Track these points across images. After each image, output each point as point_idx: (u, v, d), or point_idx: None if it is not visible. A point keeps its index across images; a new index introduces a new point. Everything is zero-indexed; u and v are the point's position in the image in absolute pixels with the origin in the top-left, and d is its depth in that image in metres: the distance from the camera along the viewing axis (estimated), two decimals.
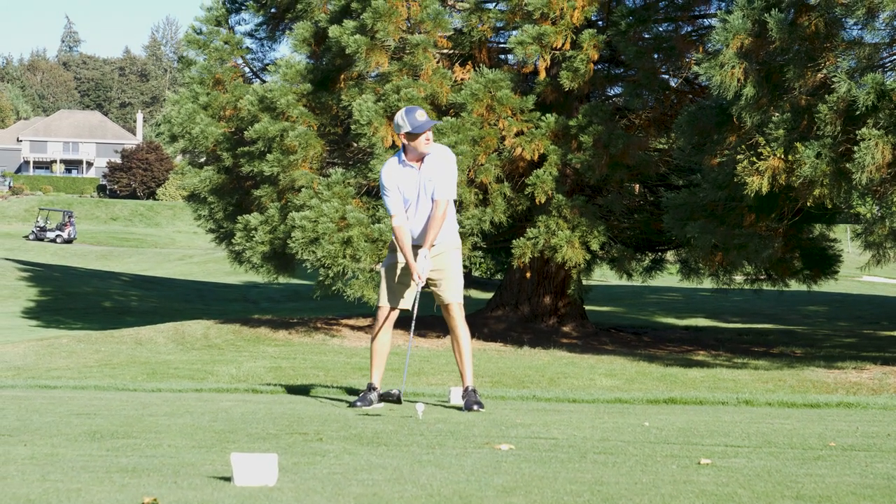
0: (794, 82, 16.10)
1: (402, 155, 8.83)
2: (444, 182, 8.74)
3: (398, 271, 8.94)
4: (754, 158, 16.27)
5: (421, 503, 4.56)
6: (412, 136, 8.70)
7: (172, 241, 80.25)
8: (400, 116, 8.73)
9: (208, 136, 22.92)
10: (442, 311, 9.01)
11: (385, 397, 8.46)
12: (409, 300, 8.97)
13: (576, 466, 5.66)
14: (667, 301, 37.84)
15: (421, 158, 8.78)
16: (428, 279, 8.85)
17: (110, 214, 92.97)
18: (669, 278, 27.98)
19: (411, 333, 9.02)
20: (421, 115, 8.68)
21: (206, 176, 23.53)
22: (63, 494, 4.61)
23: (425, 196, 8.78)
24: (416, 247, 8.82)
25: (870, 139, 15.15)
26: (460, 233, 20.08)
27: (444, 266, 8.88)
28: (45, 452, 5.94)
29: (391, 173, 8.86)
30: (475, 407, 8.60)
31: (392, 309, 8.97)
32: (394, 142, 19.57)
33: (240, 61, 24.61)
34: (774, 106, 16.47)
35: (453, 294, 8.90)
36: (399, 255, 8.90)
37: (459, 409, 8.72)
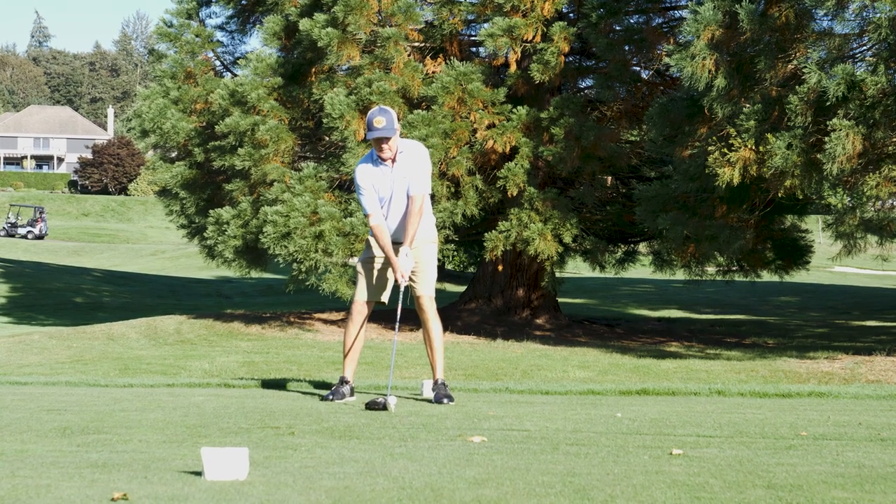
0: (765, 73, 16.14)
1: (375, 152, 8.76)
2: (418, 177, 8.67)
3: (374, 266, 8.90)
4: (725, 150, 16.31)
5: (392, 496, 4.55)
6: (371, 139, 8.67)
7: (144, 236, 79.92)
8: (368, 115, 8.68)
9: (179, 131, 22.83)
10: (414, 303, 8.99)
11: (371, 406, 8.16)
12: (384, 294, 8.95)
13: (548, 458, 5.66)
14: (640, 293, 37.94)
15: (393, 156, 8.72)
16: None
17: (82, 210, 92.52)
18: (642, 270, 28.03)
19: (395, 333, 8.95)
20: (378, 122, 8.50)
21: (178, 171, 23.45)
22: (32, 490, 4.58)
23: (400, 193, 8.71)
24: (395, 243, 8.77)
25: (840, 130, 15.20)
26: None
27: (417, 259, 8.85)
28: (14, 448, 5.90)
29: (365, 172, 8.75)
30: (444, 400, 8.58)
31: (368, 303, 8.94)
32: (365, 136, 19.53)
33: (211, 55, 24.54)
34: (745, 97, 16.51)
35: (425, 287, 8.87)
36: (375, 249, 8.86)
37: (431, 401, 8.72)
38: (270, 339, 20.98)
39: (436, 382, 8.83)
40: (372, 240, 8.90)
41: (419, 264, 8.85)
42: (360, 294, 8.94)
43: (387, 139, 8.57)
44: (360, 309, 8.94)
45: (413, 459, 5.56)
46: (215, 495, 4.51)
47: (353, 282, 9.16)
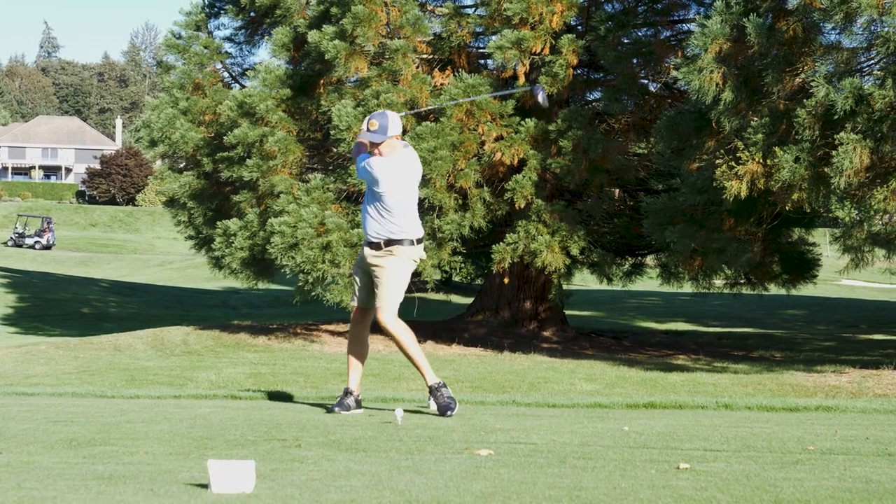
0: (773, 87, 16.14)
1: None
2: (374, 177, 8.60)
3: (363, 269, 8.80)
4: (733, 163, 16.30)
5: None
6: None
7: (152, 246, 79.96)
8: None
9: (188, 142, 22.86)
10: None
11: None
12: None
13: (555, 472, 5.65)
14: (647, 305, 37.91)
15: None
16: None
17: (89, 220, 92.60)
18: (649, 283, 27.99)
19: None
20: (372, 125, 8.57)
21: (186, 181, 23.47)
22: (38, 502, 4.58)
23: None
24: (369, 244, 8.76)
25: (848, 143, 15.19)
26: (440, 238, 20.18)
27: (379, 270, 8.68)
28: (21, 460, 5.90)
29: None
30: (448, 411, 8.46)
31: (362, 310, 8.83)
32: None
33: (219, 66, 24.57)
34: (753, 110, 16.51)
35: (378, 301, 8.65)
36: (363, 252, 8.77)
37: (436, 414, 8.66)
38: (277, 350, 20.98)
39: (431, 389, 8.69)
40: (365, 247, 8.78)
41: (380, 276, 8.67)
42: (354, 301, 8.88)
43: (375, 144, 8.61)
44: (356, 316, 8.89)
45: (420, 472, 5.56)
46: None
47: None
